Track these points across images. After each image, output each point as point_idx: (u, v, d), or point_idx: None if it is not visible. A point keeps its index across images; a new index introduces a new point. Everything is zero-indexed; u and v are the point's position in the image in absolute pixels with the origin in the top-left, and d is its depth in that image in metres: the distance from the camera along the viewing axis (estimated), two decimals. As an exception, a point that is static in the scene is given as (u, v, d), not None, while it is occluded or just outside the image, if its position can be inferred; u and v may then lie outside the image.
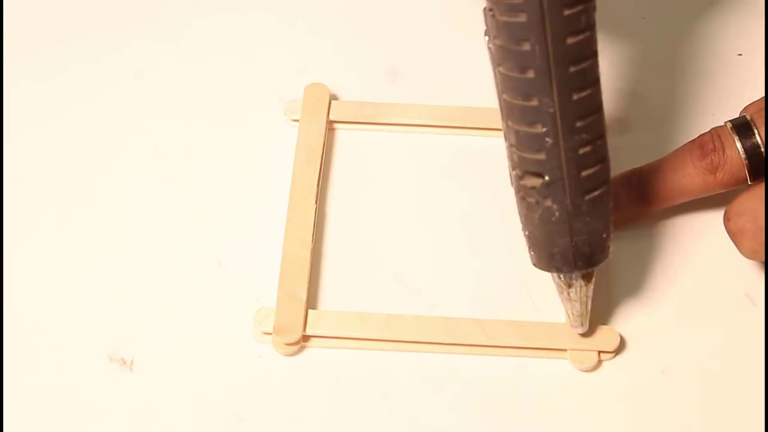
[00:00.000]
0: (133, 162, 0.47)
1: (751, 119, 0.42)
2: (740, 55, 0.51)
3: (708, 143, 0.42)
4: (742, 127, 0.42)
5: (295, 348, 0.42)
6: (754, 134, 0.41)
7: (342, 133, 0.49)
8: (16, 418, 0.40)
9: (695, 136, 0.43)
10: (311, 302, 0.43)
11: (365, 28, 0.52)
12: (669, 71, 0.51)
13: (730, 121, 0.42)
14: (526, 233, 0.39)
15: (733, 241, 0.41)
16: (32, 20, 0.52)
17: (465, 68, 0.51)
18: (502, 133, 0.47)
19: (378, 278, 0.44)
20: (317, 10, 0.53)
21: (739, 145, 0.41)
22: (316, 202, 0.45)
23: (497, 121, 0.48)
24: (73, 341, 0.42)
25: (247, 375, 0.41)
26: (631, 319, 0.43)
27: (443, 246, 0.45)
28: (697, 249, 0.45)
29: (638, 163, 0.46)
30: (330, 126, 0.48)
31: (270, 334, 0.42)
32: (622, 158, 0.47)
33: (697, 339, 0.42)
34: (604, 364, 0.42)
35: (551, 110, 0.36)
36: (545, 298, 0.43)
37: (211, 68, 0.51)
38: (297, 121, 0.48)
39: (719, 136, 0.42)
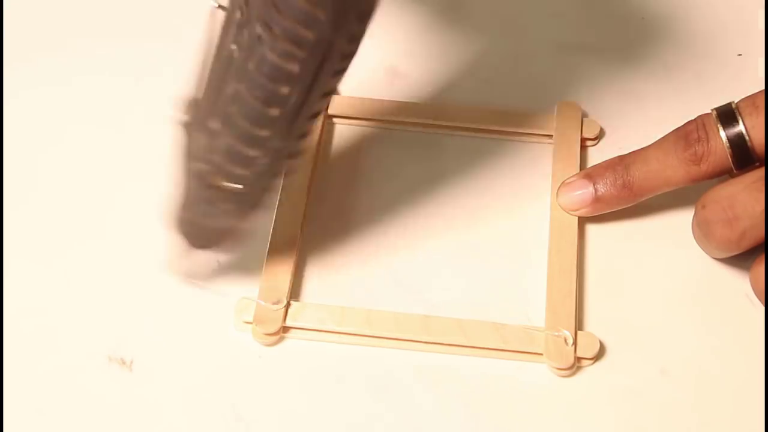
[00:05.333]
0: (133, 162, 0.48)
1: (737, 107, 0.41)
2: (740, 55, 0.51)
3: (692, 133, 0.41)
4: (726, 115, 0.41)
5: (275, 338, 0.42)
6: (738, 123, 0.40)
7: (340, 128, 0.49)
8: (16, 418, 0.40)
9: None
10: (296, 295, 0.43)
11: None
12: (669, 71, 0.51)
13: (715, 108, 0.42)
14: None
15: (701, 231, 0.40)
16: (33, 27, 0.53)
17: (465, 69, 0.51)
18: (499, 134, 0.47)
19: (368, 274, 0.44)
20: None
21: (723, 134, 0.40)
22: (307, 195, 0.45)
23: (496, 122, 0.48)
24: (73, 341, 0.42)
25: (246, 375, 0.41)
26: (630, 319, 0.43)
27: (437, 244, 0.45)
28: (698, 248, 0.44)
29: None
30: (328, 120, 0.48)
31: (250, 323, 0.42)
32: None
33: (697, 339, 0.42)
34: (605, 363, 0.42)
35: (275, 146, 0.36)
36: (537, 300, 0.43)
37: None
38: None
39: (704, 126, 0.41)
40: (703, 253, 0.44)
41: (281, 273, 0.43)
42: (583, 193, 0.44)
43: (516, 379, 0.41)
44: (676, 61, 0.51)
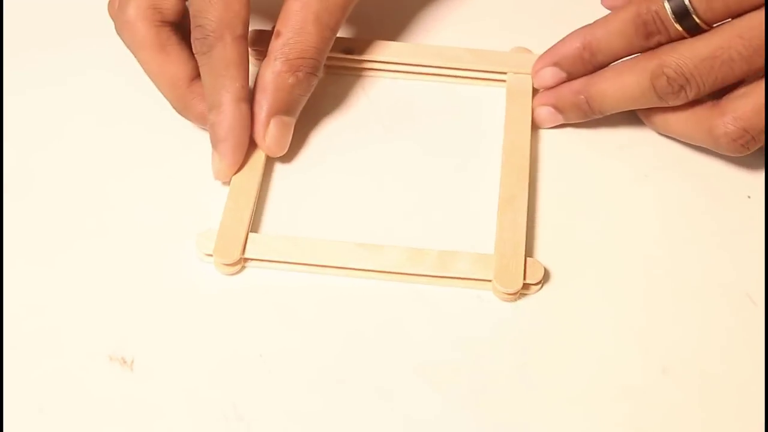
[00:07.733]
0: (133, 161, 0.48)
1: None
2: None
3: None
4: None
5: (236, 268, 0.43)
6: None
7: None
8: (16, 418, 0.40)
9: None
10: (256, 229, 0.45)
11: (365, 27, 0.52)
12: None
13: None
14: None
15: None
16: (33, 25, 0.53)
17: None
18: (452, 72, 0.49)
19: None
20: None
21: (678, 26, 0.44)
22: None
23: (449, 60, 0.49)
24: (73, 341, 0.42)
25: (247, 374, 0.41)
26: (631, 319, 0.43)
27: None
28: (698, 248, 0.45)
29: (638, 161, 0.46)
30: None
31: (211, 255, 0.43)
32: (623, 157, 0.47)
33: (697, 339, 0.42)
34: (604, 363, 0.42)
35: None
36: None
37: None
38: None
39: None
40: (702, 253, 0.44)
41: (242, 207, 0.44)
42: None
43: (514, 377, 0.41)
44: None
